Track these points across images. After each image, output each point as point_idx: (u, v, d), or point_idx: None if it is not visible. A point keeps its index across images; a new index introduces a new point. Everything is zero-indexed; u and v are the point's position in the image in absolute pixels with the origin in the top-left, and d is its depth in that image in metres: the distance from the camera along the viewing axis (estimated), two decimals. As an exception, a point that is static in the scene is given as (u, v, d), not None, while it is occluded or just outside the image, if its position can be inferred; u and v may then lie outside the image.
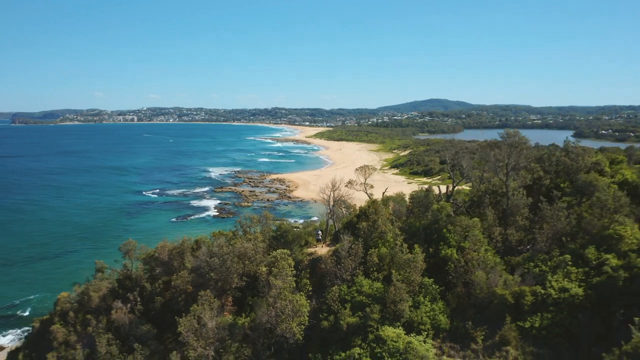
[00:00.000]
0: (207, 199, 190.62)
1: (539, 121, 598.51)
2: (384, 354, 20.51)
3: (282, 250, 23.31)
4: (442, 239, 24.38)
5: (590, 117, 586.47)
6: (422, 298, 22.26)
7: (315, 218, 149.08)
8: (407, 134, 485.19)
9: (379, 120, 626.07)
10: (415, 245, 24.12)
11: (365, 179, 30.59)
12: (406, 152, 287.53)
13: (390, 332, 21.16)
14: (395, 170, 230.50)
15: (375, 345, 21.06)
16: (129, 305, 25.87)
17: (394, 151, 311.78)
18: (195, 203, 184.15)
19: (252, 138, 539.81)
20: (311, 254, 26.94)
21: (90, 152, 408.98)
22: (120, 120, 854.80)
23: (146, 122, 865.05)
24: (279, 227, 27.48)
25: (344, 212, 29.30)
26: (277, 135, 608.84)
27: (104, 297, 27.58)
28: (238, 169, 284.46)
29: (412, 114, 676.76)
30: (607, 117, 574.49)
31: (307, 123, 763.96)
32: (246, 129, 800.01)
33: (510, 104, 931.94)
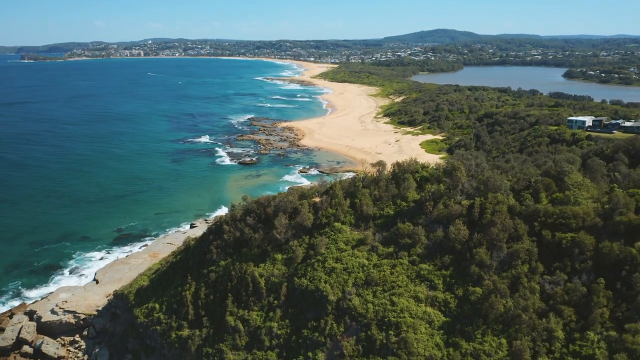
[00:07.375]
0: (232, 146, 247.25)
1: (538, 57, 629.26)
2: (334, 229, 74.23)
3: (305, 199, 76.49)
4: (356, 196, 77.54)
5: (589, 53, 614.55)
6: (347, 214, 75.77)
7: (323, 164, 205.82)
8: (407, 73, 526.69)
9: (382, 58, 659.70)
10: (347, 198, 77.20)
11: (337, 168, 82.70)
12: (400, 99, 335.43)
13: (336, 224, 75.11)
14: (387, 119, 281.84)
15: (332, 228, 74.75)
16: (252, 218, 79.57)
17: (390, 96, 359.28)
18: (223, 151, 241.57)
19: (260, 78, 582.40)
20: (314, 200, 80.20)
21: (107, 95, 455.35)
22: (127, 55, 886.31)
23: (153, 57, 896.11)
24: (302, 191, 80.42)
25: (327, 182, 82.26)
26: (283, 74, 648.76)
27: (241, 214, 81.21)
28: (252, 116, 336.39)
29: (415, 50, 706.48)
30: (605, 54, 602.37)
31: (312, 59, 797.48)
32: (253, 66, 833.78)
33: (518, 34, 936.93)
